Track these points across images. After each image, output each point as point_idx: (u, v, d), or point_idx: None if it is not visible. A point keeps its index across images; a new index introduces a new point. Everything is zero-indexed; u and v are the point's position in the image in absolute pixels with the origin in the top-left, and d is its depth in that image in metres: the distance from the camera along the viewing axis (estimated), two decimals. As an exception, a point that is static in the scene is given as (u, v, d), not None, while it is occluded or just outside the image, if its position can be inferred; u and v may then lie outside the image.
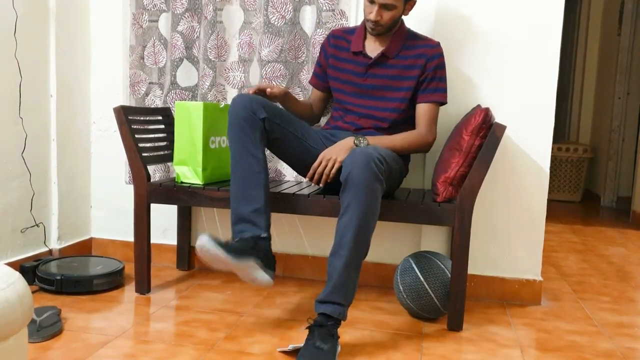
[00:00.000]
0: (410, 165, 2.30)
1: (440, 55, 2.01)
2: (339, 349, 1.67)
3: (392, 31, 2.02)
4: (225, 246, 1.69)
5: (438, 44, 2.02)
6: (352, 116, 2.08)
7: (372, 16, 1.93)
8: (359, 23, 2.28)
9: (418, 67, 2.00)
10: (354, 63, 2.08)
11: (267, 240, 1.79)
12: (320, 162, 1.86)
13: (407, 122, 2.08)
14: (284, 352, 1.69)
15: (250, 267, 1.73)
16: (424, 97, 2.02)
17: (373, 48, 2.06)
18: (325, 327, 1.65)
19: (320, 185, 1.87)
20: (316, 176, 1.86)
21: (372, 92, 2.06)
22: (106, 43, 2.57)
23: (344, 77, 2.09)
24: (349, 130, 2.07)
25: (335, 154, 1.85)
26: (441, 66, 2.02)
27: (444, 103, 2.05)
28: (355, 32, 2.10)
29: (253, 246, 1.74)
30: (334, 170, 1.84)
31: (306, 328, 1.68)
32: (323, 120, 2.32)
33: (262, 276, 1.76)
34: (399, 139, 1.97)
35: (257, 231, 1.77)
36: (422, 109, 2.02)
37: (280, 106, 2.01)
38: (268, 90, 1.95)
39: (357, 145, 1.87)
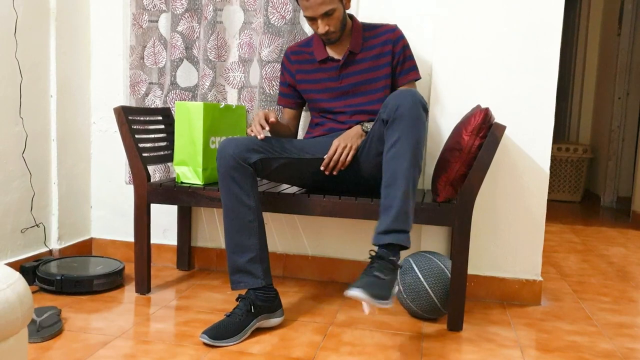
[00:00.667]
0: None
1: (403, 37, 2.05)
2: (395, 289, 1.62)
3: (347, 30, 2.04)
4: (224, 330, 1.75)
5: (396, 26, 2.07)
6: (343, 116, 2.08)
7: (320, 30, 1.94)
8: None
9: (387, 53, 2.03)
10: (324, 70, 2.08)
11: (266, 288, 1.86)
12: (335, 151, 1.89)
13: None
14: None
15: (260, 324, 1.85)
16: (403, 79, 2.06)
17: (337, 51, 2.07)
18: (385, 260, 1.63)
19: (334, 172, 1.90)
20: (331, 164, 1.88)
21: (353, 90, 2.06)
22: (106, 43, 2.57)
23: (320, 87, 2.09)
24: (336, 129, 2.09)
25: (350, 141, 1.90)
26: (407, 46, 2.06)
27: (419, 79, 2.09)
28: (312, 43, 2.11)
29: (249, 309, 1.82)
30: (349, 158, 1.88)
31: (368, 258, 1.67)
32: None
33: (273, 322, 1.89)
34: None
35: (254, 282, 1.84)
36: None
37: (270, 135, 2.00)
38: (271, 119, 1.91)
39: (364, 131, 1.93)
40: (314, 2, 1.88)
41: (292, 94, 2.18)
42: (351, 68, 2.05)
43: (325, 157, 1.90)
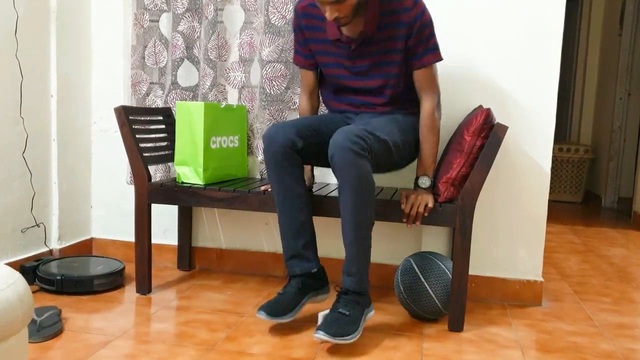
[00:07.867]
0: (410, 165, 2.30)
1: (419, 16, 1.84)
2: (370, 314, 1.82)
3: (361, 9, 1.83)
4: (278, 308, 1.84)
5: (414, 3, 1.84)
6: (356, 95, 2.02)
7: (328, 17, 1.76)
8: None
9: (401, 37, 1.87)
10: (337, 47, 1.95)
11: (318, 271, 1.94)
12: (412, 205, 1.90)
13: (406, 94, 2.00)
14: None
15: (311, 301, 1.95)
16: (416, 63, 1.90)
17: (351, 31, 1.90)
18: (349, 294, 1.77)
19: (417, 223, 1.92)
20: (411, 218, 1.91)
21: (364, 72, 1.95)
22: (107, 43, 2.57)
23: (333, 60, 1.98)
24: (348, 110, 2.05)
25: (420, 199, 1.90)
26: (424, 26, 1.85)
27: (438, 60, 1.92)
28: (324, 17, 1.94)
29: (300, 288, 1.89)
30: (425, 212, 1.90)
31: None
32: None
33: (320, 299, 1.99)
34: (432, 144, 1.95)
35: (309, 266, 1.91)
36: (418, 76, 1.93)
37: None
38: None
39: (419, 186, 1.93)
40: None
41: (309, 53, 2.03)
42: (364, 49, 1.91)
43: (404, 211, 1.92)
